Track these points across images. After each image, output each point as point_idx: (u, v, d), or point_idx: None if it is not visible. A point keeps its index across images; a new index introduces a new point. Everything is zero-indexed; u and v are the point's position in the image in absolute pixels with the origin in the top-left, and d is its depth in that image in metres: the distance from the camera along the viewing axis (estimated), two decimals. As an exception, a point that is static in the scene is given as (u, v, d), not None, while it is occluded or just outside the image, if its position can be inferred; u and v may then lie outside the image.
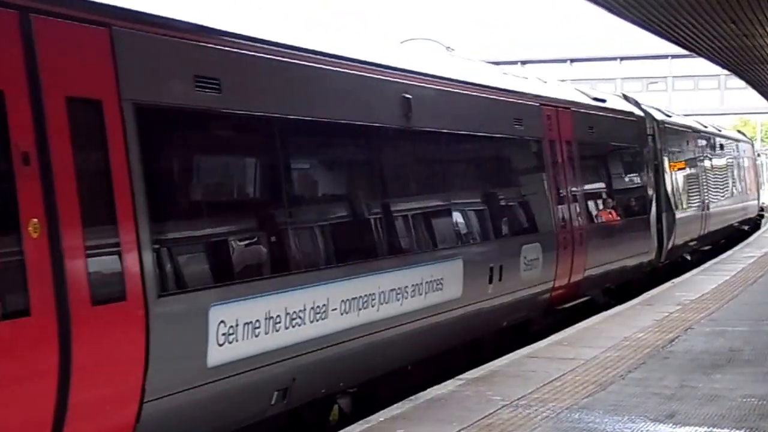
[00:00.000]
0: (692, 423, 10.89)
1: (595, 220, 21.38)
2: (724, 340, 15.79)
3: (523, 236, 17.43)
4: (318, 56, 12.26)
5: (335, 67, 12.58)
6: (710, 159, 36.90)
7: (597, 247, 20.54)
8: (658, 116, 28.64)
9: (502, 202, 17.20)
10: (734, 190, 41.77)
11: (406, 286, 13.26)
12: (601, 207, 21.96)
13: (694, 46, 22.23)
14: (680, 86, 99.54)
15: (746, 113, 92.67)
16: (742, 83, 34.85)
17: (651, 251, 25.24)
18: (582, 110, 21.50)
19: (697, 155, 34.01)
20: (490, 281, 15.73)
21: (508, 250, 16.65)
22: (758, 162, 59.37)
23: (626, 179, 24.75)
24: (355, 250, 12.61)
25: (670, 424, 10.84)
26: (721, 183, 38.73)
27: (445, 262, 14.50)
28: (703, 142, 35.71)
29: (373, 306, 12.43)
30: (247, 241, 10.85)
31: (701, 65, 40.23)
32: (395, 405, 11.86)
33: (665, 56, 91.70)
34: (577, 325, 17.87)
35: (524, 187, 18.35)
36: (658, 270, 26.48)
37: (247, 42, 10.89)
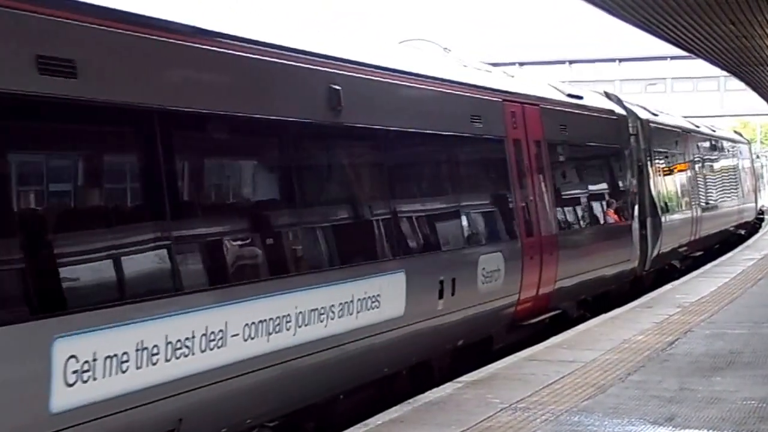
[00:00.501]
0: (692, 426, 10.91)
1: (569, 227, 19.80)
2: (724, 343, 15.82)
3: (482, 245, 15.94)
4: (212, 37, 10.41)
5: (236, 51, 10.70)
6: (702, 160, 35.52)
7: (570, 256, 19.10)
8: (643, 114, 27.30)
9: (456, 208, 15.43)
10: (729, 193, 40.34)
11: (332, 305, 11.63)
12: (575, 212, 20.55)
13: (693, 47, 22.25)
14: (679, 88, 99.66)
15: (746, 115, 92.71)
16: (741, 85, 34.80)
17: (633, 259, 23.73)
18: (553, 107, 19.93)
19: (687, 156, 32.65)
20: (441, 296, 14.18)
21: (463, 261, 15.14)
22: (757, 164, 58.67)
23: (605, 182, 22.92)
24: (263, 265, 10.91)
25: (670, 427, 10.86)
26: (715, 185, 37.38)
27: (384, 275, 12.88)
28: (695, 143, 34.45)
29: (288, 329, 10.82)
30: (107, 258, 8.88)
31: (701, 67, 40.30)
32: (393, 408, 11.87)
33: (664, 58, 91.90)
34: (576, 327, 17.90)
35: (482, 192, 16.80)
36: (643, 279, 25.23)
37: (112, 16, 9.07)
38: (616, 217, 22.64)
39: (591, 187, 21.74)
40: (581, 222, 20.73)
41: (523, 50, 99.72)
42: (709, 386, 12.74)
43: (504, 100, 17.46)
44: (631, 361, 14.39)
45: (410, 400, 12.23)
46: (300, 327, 11.03)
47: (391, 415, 11.55)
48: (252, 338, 10.26)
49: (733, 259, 31.58)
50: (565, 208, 19.76)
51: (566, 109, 20.72)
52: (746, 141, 50.29)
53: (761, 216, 53.22)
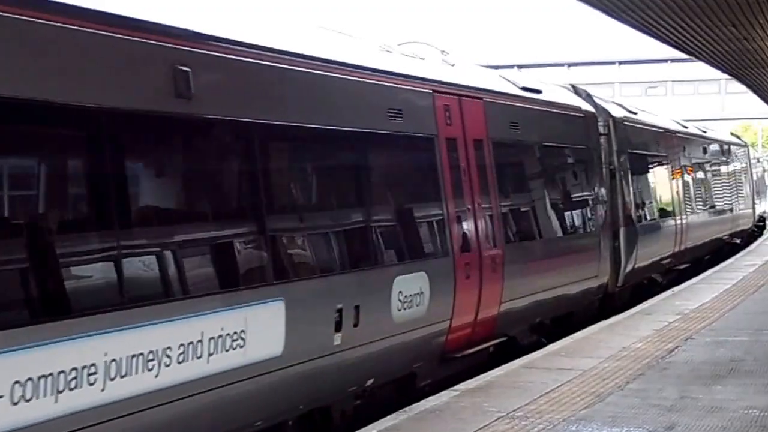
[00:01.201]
0: (692, 435, 10.91)
1: (519, 240, 17.54)
2: (725, 350, 15.81)
3: (398, 264, 13.55)
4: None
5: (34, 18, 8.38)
6: (690, 163, 32.93)
7: (520, 273, 16.88)
8: (617, 112, 24.88)
9: (361, 221, 13.00)
10: (722, 199, 37.91)
11: (168, 348, 9.18)
12: (528, 222, 18.25)
13: (693, 50, 22.24)
14: (680, 91, 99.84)
15: (747, 118, 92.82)
16: (742, 88, 34.80)
17: (602, 274, 21.29)
18: (500, 101, 17.49)
19: (671, 159, 30.14)
20: (338, 328, 11.84)
21: (370, 283, 12.76)
22: (758, 168, 56.94)
23: (567, 188, 20.38)
24: (45, 301, 8.29)
25: (670, 436, 10.86)
26: (705, 191, 34.80)
27: (251, 306, 10.45)
28: (681, 144, 31.85)
29: (91, 384, 8.33)
30: None
31: (701, 69, 40.29)
32: (389, 417, 11.86)
33: (665, 60, 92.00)
34: (574, 335, 17.87)
35: (400, 200, 14.29)
36: (615, 296, 22.86)
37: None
38: (580, 227, 20.76)
39: (549, 194, 19.25)
40: (536, 233, 18.39)
41: (521, 53, 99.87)
42: (709, 395, 12.73)
43: (435, 91, 15.18)
44: (631, 369, 14.37)
45: (406, 408, 12.22)
46: (114, 380, 8.60)
47: (386, 423, 11.54)
48: (28, 399, 7.77)
49: (735, 264, 31.60)
50: (516, 218, 17.66)
51: (519, 104, 18.38)
52: (743, 143, 47.89)
53: (761, 224, 51.35)
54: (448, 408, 12.22)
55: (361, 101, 13.33)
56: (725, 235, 37.80)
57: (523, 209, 18.15)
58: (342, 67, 12.90)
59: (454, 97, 15.69)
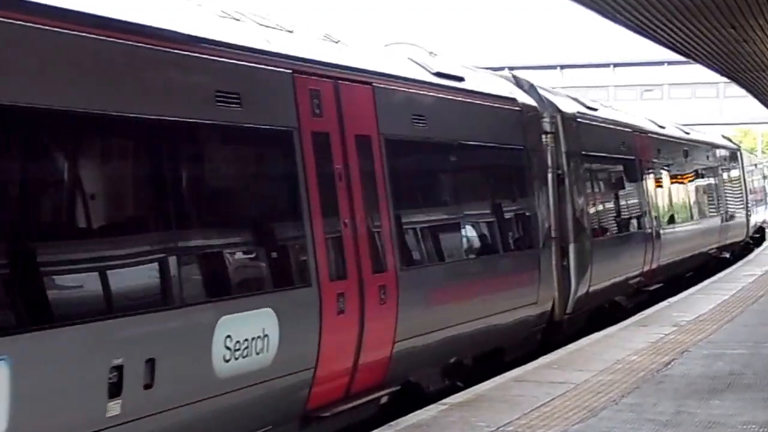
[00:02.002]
0: (689, 451, 10.90)
1: (421, 262, 14.66)
2: (723, 364, 15.80)
3: (224, 299, 10.61)
4: None
5: None
6: (667, 168, 29.78)
7: (423, 304, 14.21)
8: (568, 107, 21.69)
9: (157, 244, 9.88)
10: (708, 209, 34.86)
11: None
12: (436, 240, 15.37)
13: (691, 52, 22.26)
14: (677, 94, 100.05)
15: (746, 123, 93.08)
16: (741, 91, 34.88)
17: (544, 300, 18.57)
18: (399, 88, 14.65)
19: (641, 162, 26.77)
20: (116, 394, 8.99)
21: (173, 328, 9.86)
22: (755, 175, 53.48)
23: (493, 196, 17.49)
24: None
25: (666, 453, 10.85)
26: (686, 199, 31.90)
27: None
28: (655, 146, 28.51)
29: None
30: None
31: (699, 72, 40.39)
32: (376, 430, 11.82)
33: (661, 63, 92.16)
34: (567, 347, 17.86)
35: (231, 213, 11.31)
36: (563, 324, 19.85)
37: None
38: (512, 243, 17.90)
39: (468, 204, 16.48)
40: (447, 254, 15.50)
41: (514, 55, 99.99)
42: (707, 409, 12.72)
43: (297, 71, 12.17)
44: (625, 383, 14.36)
45: (392, 423, 12.19)
46: None
47: (372, 439, 11.50)
48: None
49: (733, 275, 31.61)
50: (419, 236, 14.87)
51: (427, 93, 15.51)
52: (735, 147, 44.28)
53: (758, 235, 48.30)
54: (435, 423, 12.19)
55: (171, 80, 10.42)
56: (712, 249, 35.09)
57: (429, 224, 15.15)
58: (140, 35, 9.93)
59: (328, 80, 12.65)
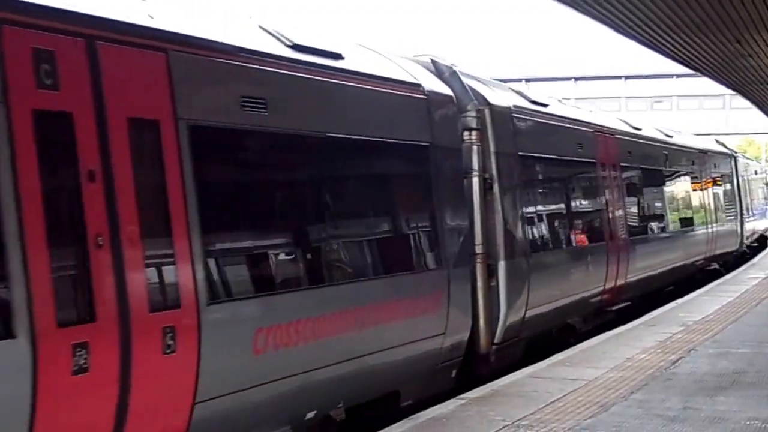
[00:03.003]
0: (695, 445, 10.89)
1: (238, 292, 10.47)
2: (728, 362, 15.77)
3: None
4: None
5: None
6: (639, 173, 25.54)
7: (244, 348, 10.22)
8: (500, 99, 17.42)
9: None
10: (692, 217, 30.66)
11: None
12: (287, 260, 11.57)
13: (698, 65, 22.25)
14: (685, 106, 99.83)
15: (751, 133, 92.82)
16: (747, 103, 34.85)
17: (457, 329, 14.52)
18: (217, 59, 10.41)
19: (604, 166, 22.50)
20: None
21: None
22: (755, 182, 48.35)
23: (378, 204, 13.68)
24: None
25: (673, 446, 10.85)
26: (664, 207, 27.86)
27: None
28: (624, 149, 24.29)
29: None
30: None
31: (706, 85, 40.28)
32: (395, 425, 11.84)
33: (670, 75, 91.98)
34: (579, 345, 17.83)
35: None
36: (489, 358, 15.91)
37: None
38: (407, 262, 13.73)
39: (340, 215, 12.57)
40: (306, 278, 11.57)
41: (529, 67, 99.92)
42: (712, 405, 12.69)
43: (6, 21, 8.04)
44: (634, 380, 14.34)
45: (412, 416, 12.21)
46: None
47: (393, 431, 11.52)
48: None
49: (738, 278, 31.51)
50: (247, 259, 10.89)
51: (273, 70, 11.27)
52: (729, 152, 40.41)
53: (756, 245, 44.40)
54: (453, 416, 12.20)
55: None
56: (698, 260, 30.85)
57: (274, 241, 11.35)
58: None
59: (75, 38, 8.59)
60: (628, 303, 22.95)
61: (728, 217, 36.34)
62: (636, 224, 24.61)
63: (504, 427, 11.56)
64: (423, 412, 12.41)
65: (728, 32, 17.68)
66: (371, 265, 13.06)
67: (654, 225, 26.57)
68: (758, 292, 26.23)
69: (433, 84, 15.01)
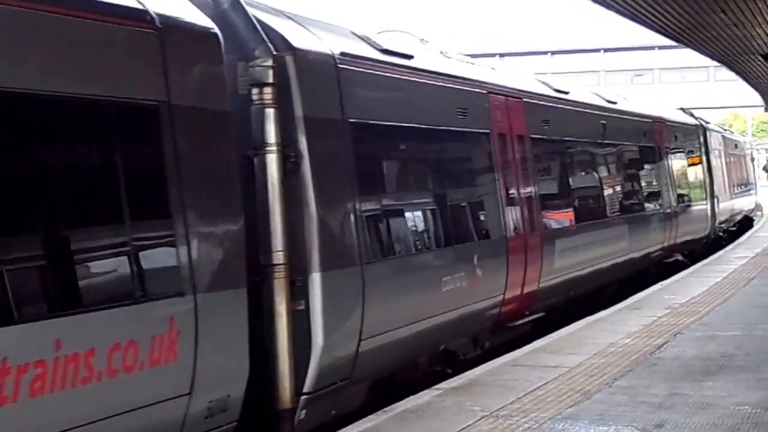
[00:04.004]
0: (682, 433, 10.91)
1: None
2: (716, 345, 15.82)
3: None
4: None
5: None
6: (559, 147, 21.24)
7: None
8: (312, 43, 12.87)
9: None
10: (643, 200, 26.73)
11: None
12: None
13: (681, 36, 22.27)
14: (667, 79, 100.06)
15: (736, 107, 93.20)
16: (731, 76, 34.92)
17: (206, 387, 10.02)
18: None
19: (500, 139, 17.91)
20: None
21: None
22: (727, 157, 42.84)
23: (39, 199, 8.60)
24: None
25: (659, 435, 10.86)
26: (596, 189, 23.21)
27: None
28: (533, 116, 19.57)
29: None
30: None
31: (689, 57, 40.33)
32: (369, 417, 11.84)
33: (652, 47, 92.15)
34: (559, 331, 17.85)
35: None
36: (295, 416, 11.72)
37: None
38: (96, 293, 9.07)
39: None
40: None
41: (504, 41, 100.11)
42: (700, 391, 12.73)
43: None
44: (618, 366, 14.36)
45: (386, 408, 12.18)
46: None
47: (366, 424, 11.51)
48: None
49: (725, 257, 31.64)
50: None
51: None
52: (695, 123, 35.91)
53: (734, 228, 41.67)
54: (429, 407, 12.19)
55: None
56: (653, 252, 27.16)
57: None
58: None
59: None
60: (542, 314, 18.79)
61: (695, 199, 32.62)
62: (556, 212, 20.37)
63: (482, 417, 11.56)
64: (397, 404, 12.39)
65: (712, 1, 17.69)
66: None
67: (584, 212, 21.96)
68: (746, 272, 26.34)
69: (177, 12, 10.41)
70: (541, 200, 19.33)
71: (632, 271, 25.26)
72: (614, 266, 23.34)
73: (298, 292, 11.77)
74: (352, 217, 12.84)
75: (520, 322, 17.97)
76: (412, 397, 12.75)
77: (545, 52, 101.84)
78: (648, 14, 18.94)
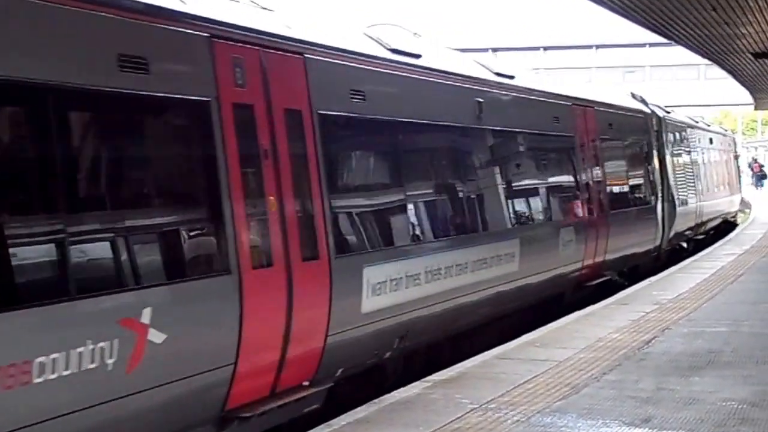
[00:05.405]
0: (669, 427, 10.91)
1: None
2: (703, 341, 15.85)
3: None
4: None
5: None
6: (384, 137, 14.44)
7: None
8: None
9: None
10: (559, 207, 20.63)
11: None
12: None
13: (673, 34, 22.29)
14: (658, 76, 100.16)
15: (727, 105, 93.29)
16: (722, 74, 34.95)
17: None
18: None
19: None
20: None
21: None
22: (702, 153, 36.91)
23: None
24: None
25: (647, 429, 10.86)
26: (490, 193, 17.40)
27: None
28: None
29: None
30: None
31: (680, 54, 40.36)
32: (359, 408, 11.84)
33: (643, 45, 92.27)
34: (549, 325, 17.88)
35: None
36: None
37: None
38: None
39: None
40: None
41: (496, 36, 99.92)
42: (687, 386, 12.75)
43: None
44: (607, 360, 14.39)
45: (376, 400, 12.20)
46: None
47: (357, 415, 11.52)
48: None
49: (713, 254, 31.63)
50: None
51: None
52: (648, 110, 29.41)
53: (703, 236, 36.43)
54: (419, 400, 12.21)
55: None
56: (567, 274, 20.79)
57: None
58: None
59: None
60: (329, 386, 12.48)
61: (638, 203, 26.82)
62: (383, 227, 14.05)
63: (471, 410, 11.58)
64: (387, 396, 12.42)
65: (704, -1, 17.73)
66: None
67: (463, 222, 16.44)
68: (734, 269, 26.37)
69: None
70: (348, 212, 13.24)
71: (532, 301, 19.46)
72: (497, 296, 17.21)
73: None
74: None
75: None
76: (401, 389, 12.78)
77: (537, 48, 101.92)
78: (639, 11, 18.97)
